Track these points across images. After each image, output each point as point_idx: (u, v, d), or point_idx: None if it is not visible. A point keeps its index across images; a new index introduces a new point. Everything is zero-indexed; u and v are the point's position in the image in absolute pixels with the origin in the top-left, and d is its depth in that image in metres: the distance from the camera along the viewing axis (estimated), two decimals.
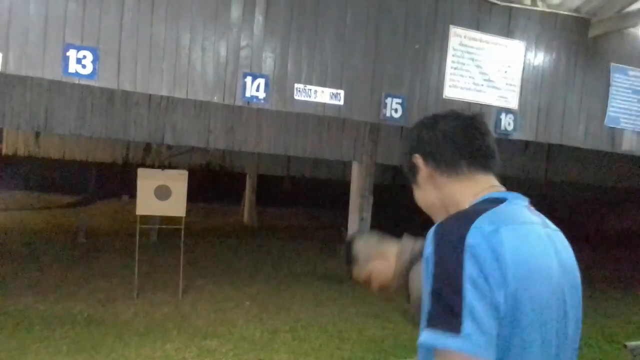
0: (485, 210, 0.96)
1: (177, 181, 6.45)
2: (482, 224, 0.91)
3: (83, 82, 3.64)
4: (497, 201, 1.01)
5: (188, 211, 6.77)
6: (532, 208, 1.08)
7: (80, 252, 9.17)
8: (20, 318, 5.43)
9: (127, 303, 6.29)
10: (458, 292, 0.85)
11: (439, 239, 0.91)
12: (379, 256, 1.55)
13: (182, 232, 6.61)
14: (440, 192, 1.12)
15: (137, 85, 3.66)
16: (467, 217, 0.94)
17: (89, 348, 4.76)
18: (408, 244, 1.48)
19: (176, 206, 6.45)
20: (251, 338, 5.36)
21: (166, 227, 7.63)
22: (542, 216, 1.08)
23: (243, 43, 3.78)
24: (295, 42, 3.96)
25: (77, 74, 3.63)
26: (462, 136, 1.10)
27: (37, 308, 5.82)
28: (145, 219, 6.87)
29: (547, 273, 0.96)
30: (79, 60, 3.66)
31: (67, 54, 3.61)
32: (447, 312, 0.85)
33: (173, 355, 4.73)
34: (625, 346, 3.13)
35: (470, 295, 0.85)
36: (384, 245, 1.56)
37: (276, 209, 16.79)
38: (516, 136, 4.49)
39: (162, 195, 6.36)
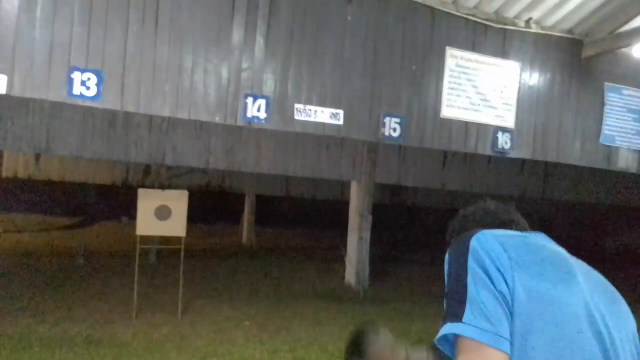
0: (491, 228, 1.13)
1: (178, 201, 6.48)
2: (486, 232, 1.07)
3: (87, 103, 3.71)
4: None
5: (187, 232, 6.78)
6: None
7: (79, 273, 9.14)
8: (18, 340, 5.40)
9: (125, 324, 6.25)
10: (463, 286, 0.98)
11: (453, 247, 1.07)
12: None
13: (182, 252, 6.62)
14: None
15: (140, 107, 3.73)
16: (476, 229, 1.09)
17: None
18: (421, 355, 1.44)
19: (176, 226, 6.46)
20: (251, 358, 5.33)
21: (166, 247, 7.63)
22: None
23: (244, 65, 3.87)
24: (296, 63, 4.04)
25: (81, 95, 3.70)
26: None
27: (36, 330, 5.79)
28: (145, 239, 6.88)
29: (568, 276, 1.06)
30: (83, 82, 3.73)
31: (72, 76, 3.69)
32: (457, 305, 0.98)
33: None
34: None
35: (472, 288, 0.97)
36: (396, 350, 1.49)
37: (275, 229, 16.77)
38: (513, 154, 4.55)
39: (162, 215, 6.38)
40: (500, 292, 0.97)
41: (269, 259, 12.23)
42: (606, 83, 4.84)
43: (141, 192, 6.52)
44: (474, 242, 1.02)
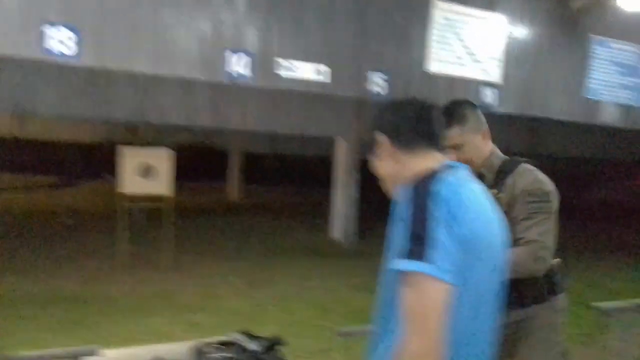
0: (447, 170, 1.25)
1: (162, 159, 6.42)
2: (446, 177, 1.20)
3: (66, 61, 3.59)
4: (452, 167, 1.30)
5: (173, 190, 6.76)
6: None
7: (66, 232, 9.13)
8: (5, 297, 5.42)
9: (113, 281, 6.31)
10: (426, 229, 1.10)
11: (414, 191, 1.17)
12: None
13: (167, 211, 6.62)
14: (398, 165, 1.36)
15: (120, 63, 3.63)
16: (434, 174, 1.22)
17: (75, 325, 4.78)
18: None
19: (161, 185, 6.43)
20: (238, 312, 5.43)
21: (152, 205, 7.62)
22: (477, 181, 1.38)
23: (225, 19, 3.75)
24: (279, 17, 3.93)
25: (59, 53, 3.57)
26: (421, 122, 1.36)
27: (23, 287, 5.82)
28: (130, 199, 6.85)
29: (493, 220, 1.27)
30: (60, 40, 3.59)
31: (49, 33, 3.55)
32: (420, 246, 1.10)
33: (160, 330, 4.77)
34: (592, 307, 3.38)
35: (436, 231, 1.10)
36: None
37: (262, 186, 16.78)
38: (498, 109, 4.54)
39: (146, 173, 6.33)
40: (460, 238, 1.12)
41: (256, 216, 12.29)
42: (592, 36, 4.79)
43: (123, 150, 6.44)
44: (435, 189, 1.15)
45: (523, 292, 1.99)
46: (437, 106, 1.43)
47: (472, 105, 2.13)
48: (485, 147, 2.10)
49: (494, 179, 2.06)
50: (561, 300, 2.12)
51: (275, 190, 16.88)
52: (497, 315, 1.30)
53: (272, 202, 15.16)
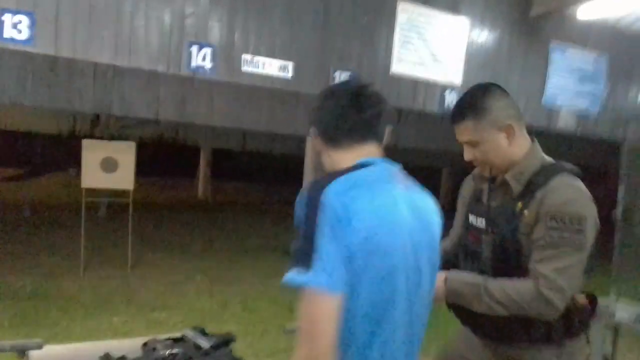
0: (347, 172, 1.17)
1: (125, 153, 6.30)
2: (336, 185, 1.12)
3: (19, 47, 3.48)
4: (364, 165, 1.20)
5: (139, 185, 6.66)
6: (402, 173, 1.27)
7: (25, 226, 8.88)
8: None
9: (73, 277, 6.17)
10: (310, 240, 1.09)
11: (308, 195, 1.13)
12: None
13: (130, 205, 6.50)
14: (330, 159, 1.29)
15: (77, 52, 3.54)
16: (328, 179, 1.14)
17: (32, 322, 4.66)
18: None
19: (123, 179, 6.32)
20: (201, 310, 5.39)
21: (115, 200, 7.47)
22: (410, 182, 1.29)
23: (188, 11, 3.70)
24: (243, 11, 3.90)
25: (12, 39, 3.46)
26: (342, 112, 1.25)
27: None
28: (93, 193, 6.71)
29: (396, 226, 1.16)
30: (14, 25, 3.49)
31: (2, 18, 3.44)
32: (302, 257, 1.10)
33: (120, 328, 4.70)
34: None
35: (319, 243, 1.08)
36: None
37: (231, 183, 16.67)
38: None
39: (108, 167, 6.21)
40: (345, 250, 1.08)
41: (224, 213, 12.21)
42: (552, 42, 4.92)
43: (86, 143, 6.31)
44: (323, 198, 1.09)
45: (516, 325, 1.63)
46: (370, 90, 1.28)
47: (500, 93, 1.67)
48: (512, 148, 1.65)
49: (522, 190, 1.63)
50: (579, 346, 1.69)
51: (245, 188, 16.79)
52: (418, 323, 1.25)
53: (241, 199, 15.08)
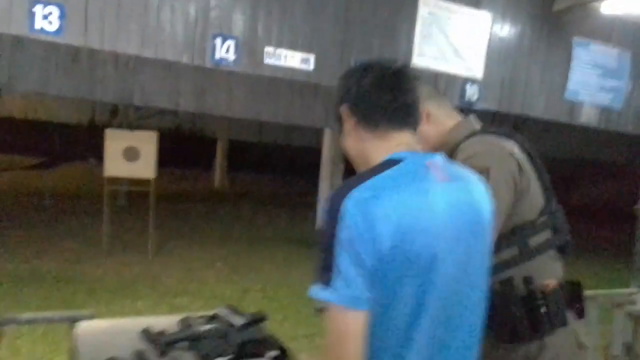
0: (373, 175, 1.05)
1: (146, 143, 6.42)
2: (360, 191, 1.01)
3: (49, 38, 3.58)
4: (393, 163, 1.07)
5: (158, 175, 6.77)
6: (442, 162, 1.13)
7: (47, 214, 9.08)
8: None
9: (96, 263, 6.32)
10: (331, 252, 1.00)
11: (330, 203, 1.03)
12: None
13: (152, 194, 6.62)
14: (361, 144, 1.16)
15: (104, 43, 3.63)
16: (352, 184, 1.03)
17: (58, 304, 4.81)
18: None
19: (145, 168, 6.44)
20: (222, 296, 5.49)
21: (135, 189, 7.61)
22: (453, 169, 1.16)
23: (213, 3, 3.77)
24: (266, 4, 3.96)
25: (42, 30, 3.56)
26: (379, 90, 1.12)
27: (4, 266, 5.81)
28: (114, 181, 6.85)
29: (430, 227, 1.04)
30: (45, 16, 3.59)
31: (34, 9, 3.54)
32: (325, 269, 1.01)
33: (144, 312, 4.81)
34: None
35: (339, 256, 0.99)
36: None
37: (248, 174, 16.78)
38: (480, 106, 4.63)
39: (130, 156, 6.33)
40: (367, 264, 0.99)
41: (241, 204, 12.32)
42: (575, 38, 4.89)
43: (109, 132, 6.44)
44: (344, 208, 1.00)
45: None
46: (404, 71, 1.14)
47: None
48: (436, 127, 1.63)
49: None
50: (554, 342, 1.47)
51: (261, 179, 16.90)
52: (474, 326, 1.15)
53: (257, 190, 15.19)
